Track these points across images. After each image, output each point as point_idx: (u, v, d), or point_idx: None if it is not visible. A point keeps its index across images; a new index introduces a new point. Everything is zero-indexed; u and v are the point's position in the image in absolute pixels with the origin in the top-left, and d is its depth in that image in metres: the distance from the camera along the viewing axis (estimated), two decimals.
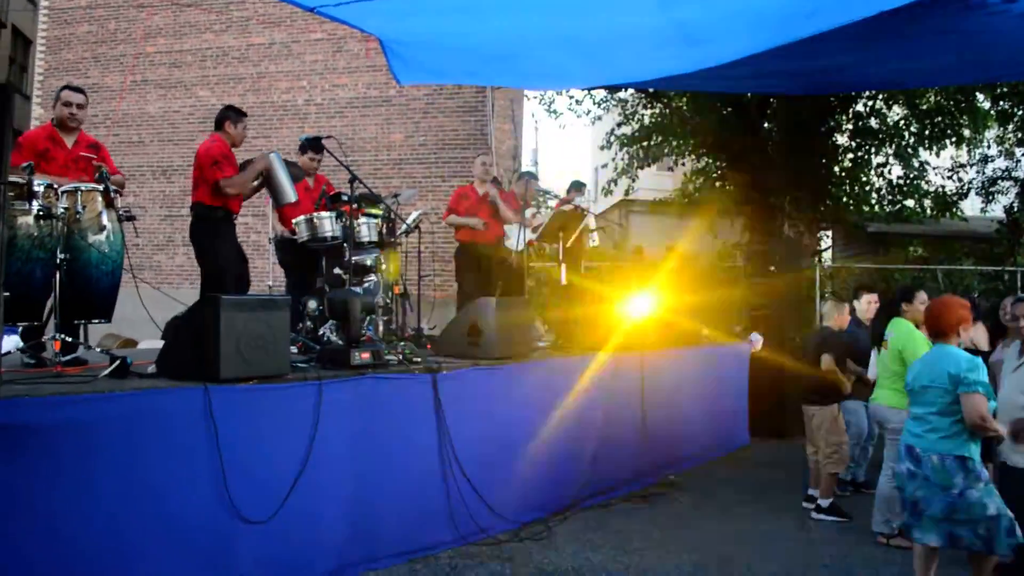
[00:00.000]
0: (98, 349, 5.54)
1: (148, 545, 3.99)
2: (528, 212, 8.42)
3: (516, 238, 7.88)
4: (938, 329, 4.67)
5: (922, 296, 6.14)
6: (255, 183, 6.58)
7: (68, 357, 4.89)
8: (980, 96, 14.62)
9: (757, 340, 10.03)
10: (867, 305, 7.50)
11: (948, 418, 4.43)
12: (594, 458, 6.91)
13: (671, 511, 6.82)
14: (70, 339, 4.95)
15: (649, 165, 16.34)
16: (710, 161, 15.39)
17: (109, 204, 5.01)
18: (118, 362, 4.47)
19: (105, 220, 4.97)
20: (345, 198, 6.47)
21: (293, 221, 6.60)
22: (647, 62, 6.84)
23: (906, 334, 5.97)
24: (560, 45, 6.60)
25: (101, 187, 4.96)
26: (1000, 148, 16.06)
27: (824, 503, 6.75)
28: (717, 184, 15.50)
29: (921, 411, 4.59)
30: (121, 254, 5.15)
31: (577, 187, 9.23)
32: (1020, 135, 15.22)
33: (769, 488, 7.64)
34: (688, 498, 7.23)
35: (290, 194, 6.53)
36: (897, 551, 5.69)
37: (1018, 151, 15.25)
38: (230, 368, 4.39)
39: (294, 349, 5.89)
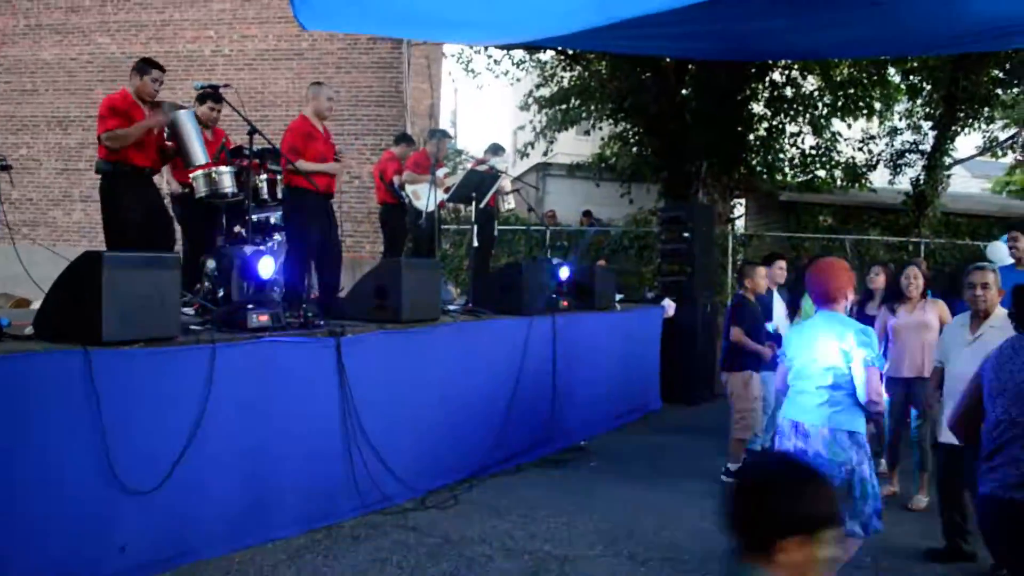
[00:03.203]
0: None
1: (19, 516, 3.71)
2: (440, 172, 8.20)
3: (427, 198, 7.65)
4: (821, 295, 4.27)
5: None
6: (167, 142, 6.22)
7: None
8: (892, 70, 14.92)
9: (670, 306, 10.05)
10: (779, 271, 7.58)
11: (841, 391, 4.10)
12: (504, 424, 6.81)
13: (580, 477, 6.77)
14: None
15: (567, 128, 16.25)
16: (627, 126, 15.36)
17: None
18: None
19: None
20: (246, 152, 6.17)
21: (191, 176, 6.24)
22: (561, 16, 6.69)
23: None
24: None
25: None
26: (908, 122, 16.43)
27: (733, 467, 6.80)
28: (634, 149, 15.49)
29: (808, 384, 4.22)
30: None
31: (495, 150, 9.04)
32: (928, 109, 15.59)
33: (679, 454, 7.67)
34: (598, 464, 7.20)
35: (199, 155, 6.14)
36: None
37: (925, 125, 15.61)
38: (113, 330, 4.10)
39: (191, 311, 5.61)
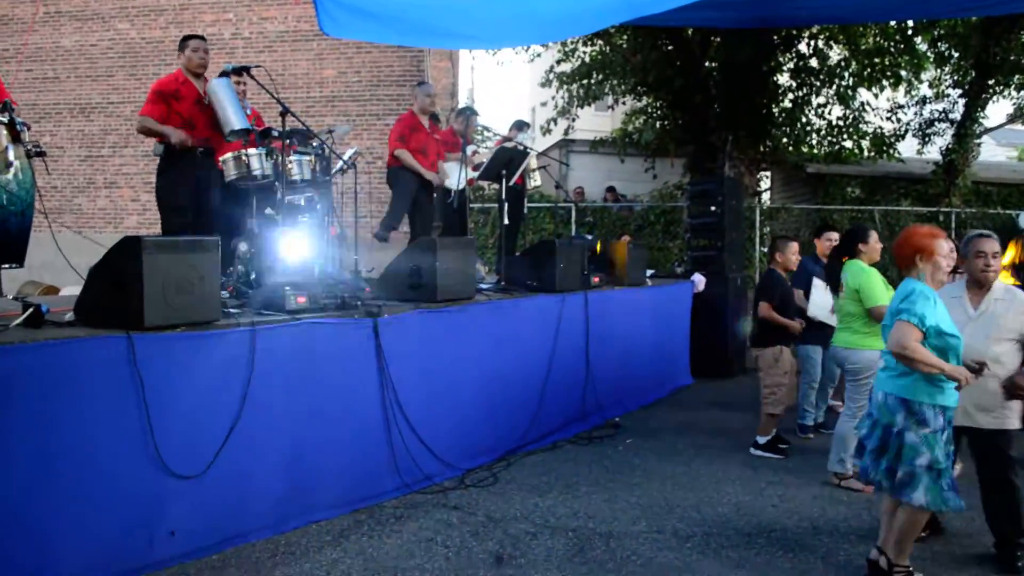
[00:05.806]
0: (10, 296, 5.15)
1: (69, 505, 3.71)
2: (469, 149, 8.13)
3: (456, 176, 7.59)
4: (897, 261, 4.30)
5: (875, 235, 6.05)
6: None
7: None
8: (918, 38, 14.68)
9: (700, 280, 9.96)
10: (827, 243, 7.50)
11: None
12: (539, 401, 6.78)
13: (617, 454, 6.73)
14: None
15: (589, 104, 16.10)
16: (650, 100, 15.21)
17: (15, 139, 4.57)
18: (31, 310, 4.12)
19: (12, 156, 4.54)
20: (276, 134, 6.12)
21: (220, 159, 6.21)
22: (589, 17, 6.67)
23: (860, 272, 5.84)
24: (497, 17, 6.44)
25: (5, 119, 4.53)
26: (935, 90, 16.18)
27: (761, 440, 6.74)
28: (657, 124, 15.34)
29: (884, 350, 4.26)
30: (32, 193, 4.71)
31: (520, 126, 8.96)
32: (956, 77, 15.33)
33: (713, 429, 7.61)
34: (633, 440, 7.14)
35: (232, 121, 6.10)
36: (844, 492, 5.69)
37: (953, 93, 15.35)
38: (155, 315, 4.08)
39: (225, 293, 5.59)
